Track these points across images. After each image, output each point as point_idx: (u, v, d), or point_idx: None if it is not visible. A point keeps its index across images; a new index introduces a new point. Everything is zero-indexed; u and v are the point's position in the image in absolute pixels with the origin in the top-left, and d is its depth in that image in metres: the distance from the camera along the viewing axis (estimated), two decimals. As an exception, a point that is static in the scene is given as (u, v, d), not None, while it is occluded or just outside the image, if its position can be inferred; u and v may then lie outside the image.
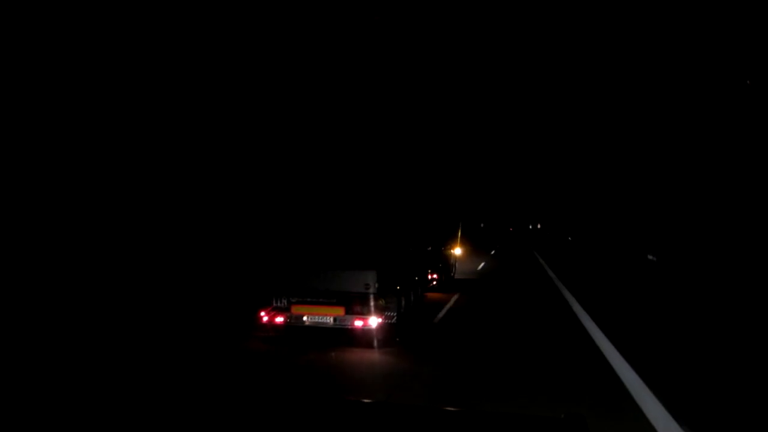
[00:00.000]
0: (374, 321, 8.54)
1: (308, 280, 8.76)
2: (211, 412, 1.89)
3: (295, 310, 8.82)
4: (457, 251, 18.64)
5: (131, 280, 13.22)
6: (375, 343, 8.70)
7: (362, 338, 8.87)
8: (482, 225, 71.33)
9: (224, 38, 15.67)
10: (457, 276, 18.18)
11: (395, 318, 9.39)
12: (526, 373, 7.34)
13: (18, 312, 10.34)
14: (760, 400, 5.55)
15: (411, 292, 10.84)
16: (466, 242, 22.95)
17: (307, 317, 8.79)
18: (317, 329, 8.86)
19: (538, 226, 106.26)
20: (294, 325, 8.89)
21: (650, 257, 26.34)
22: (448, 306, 12.84)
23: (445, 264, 15.68)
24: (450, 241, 16.87)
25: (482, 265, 26.95)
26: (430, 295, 13.89)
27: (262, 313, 8.94)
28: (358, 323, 8.55)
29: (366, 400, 2.27)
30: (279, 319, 8.88)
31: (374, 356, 8.23)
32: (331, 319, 8.70)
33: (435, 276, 14.29)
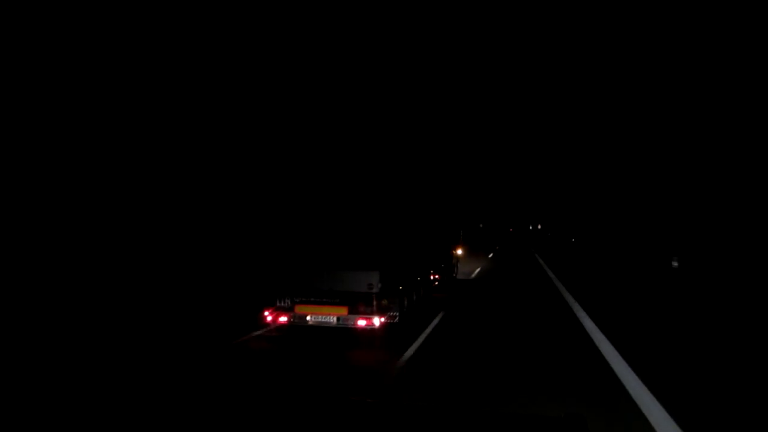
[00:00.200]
0: (377, 321, 8.62)
1: (312, 280, 8.83)
2: (212, 412, 1.90)
3: (299, 309, 8.90)
4: (459, 252, 18.72)
5: (136, 280, 13.30)
6: (378, 343, 8.80)
7: (365, 338, 8.96)
8: (481, 225, 69.50)
9: (227, 39, 15.75)
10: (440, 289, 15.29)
11: (397, 318, 9.47)
12: None
13: (20, 312, 10.42)
14: None
15: (413, 293, 10.93)
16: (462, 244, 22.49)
17: (311, 317, 8.87)
18: (320, 329, 8.95)
19: (539, 226, 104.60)
20: (297, 325, 8.98)
21: (674, 263, 23.72)
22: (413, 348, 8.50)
23: (447, 264, 15.77)
24: (451, 241, 16.94)
25: (477, 270, 23.66)
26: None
27: (266, 313, 9.01)
28: (361, 323, 8.62)
29: (366, 399, 2.30)
30: (283, 319, 8.96)
31: (377, 355, 8.32)
32: (335, 319, 8.77)
33: (437, 276, 14.37)
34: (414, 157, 11.78)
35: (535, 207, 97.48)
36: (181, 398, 2.19)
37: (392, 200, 9.58)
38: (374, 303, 8.67)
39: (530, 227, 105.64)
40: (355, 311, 8.69)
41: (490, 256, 37.17)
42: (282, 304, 8.98)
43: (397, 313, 9.45)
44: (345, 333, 9.05)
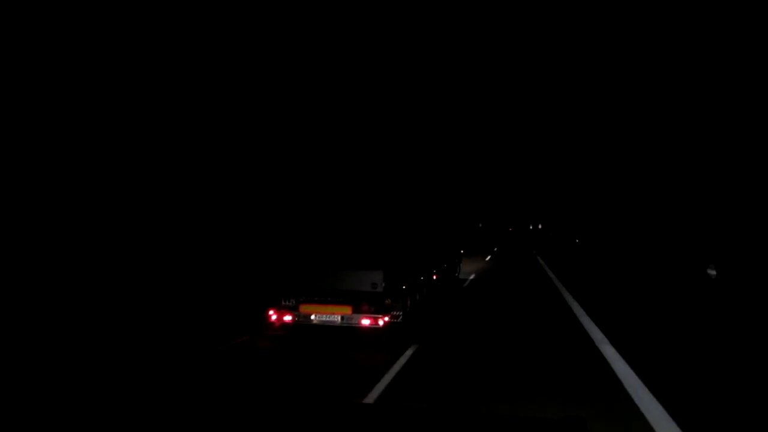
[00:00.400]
0: (381, 320, 8.67)
1: (316, 280, 8.88)
2: (212, 413, 1.90)
3: (304, 309, 8.95)
4: (461, 252, 18.77)
5: (141, 280, 13.35)
6: (382, 342, 8.85)
7: (369, 337, 9.01)
8: (480, 225, 67.68)
9: (231, 40, 15.79)
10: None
11: (401, 317, 9.51)
12: None
13: (21, 312, 10.47)
14: None
15: (416, 292, 10.98)
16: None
17: (315, 316, 8.92)
18: (325, 328, 8.99)
19: (539, 226, 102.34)
20: (302, 324, 9.03)
21: (711, 272, 19.67)
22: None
23: (449, 264, 15.82)
24: (454, 241, 16.99)
25: (472, 276, 20.20)
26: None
27: (271, 312, 9.06)
28: (366, 322, 8.68)
29: (365, 402, 2.30)
30: (287, 318, 9.01)
31: (380, 354, 8.36)
32: (339, 318, 8.82)
33: (440, 276, 14.42)
34: (417, 157, 11.82)
35: (536, 206, 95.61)
36: (181, 399, 2.19)
37: (396, 200, 9.62)
38: (378, 302, 8.72)
39: (530, 227, 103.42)
40: (359, 310, 8.74)
41: (487, 259, 33.45)
42: (287, 303, 9.03)
43: (401, 313, 9.50)
44: (349, 332, 9.10)
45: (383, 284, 8.63)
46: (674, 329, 10.62)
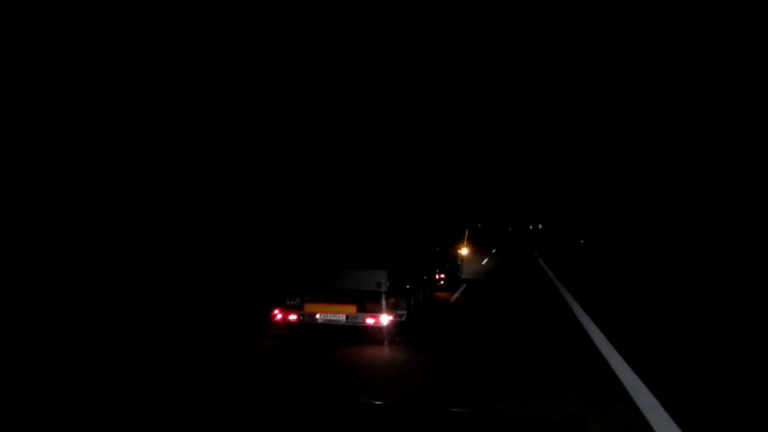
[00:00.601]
0: (385, 319, 8.73)
1: (321, 279, 8.95)
2: (212, 412, 1.89)
3: (308, 308, 9.01)
4: (464, 251, 18.83)
5: (147, 280, 13.40)
6: (385, 341, 8.90)
7: (373, 335, 9.07)
8: (479, 225, 65.11)
9: (235, 41, 15.86)
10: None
11: (405, 316, 9.58)
12: None
13: (27, 313, 10.53)
14: None
15: (420, 291, 11.04)
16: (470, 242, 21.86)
17: (320, 315, 8.98)
18: (329, 327, 9.05)
19: (540, 226, 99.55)
20: (307, 323, 9.09)
21: None
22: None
23: (452, 264, 15.89)
24: (457, 241, 17.06)
25: (463, 287, 16.68)
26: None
27: (276, 311, 9.13)
28: (370, 321, 8.74)
29: (365, 401, 2.31)
30: (292, 317, 9.07)
31: (384, 353, 8.43)
32: (344, 317, 8.89)
33: (443, 276, 14.49)
34: (420, 158, 11.89)
35: (535, 206, 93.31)
36: (180, 398, 2.19)
37: (400, 200, 9.69)
38: (382, 301, 8.78)
39: (530, 227, 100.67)
40: (363, 310, 8.81)
41: (484, 262, 29.22)
42: (291, 302, 9.09)
43: (405, 312, 9.57)
44: (354, 331, 9.16)
45: (387, 284, 8.70)
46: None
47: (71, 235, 13.25)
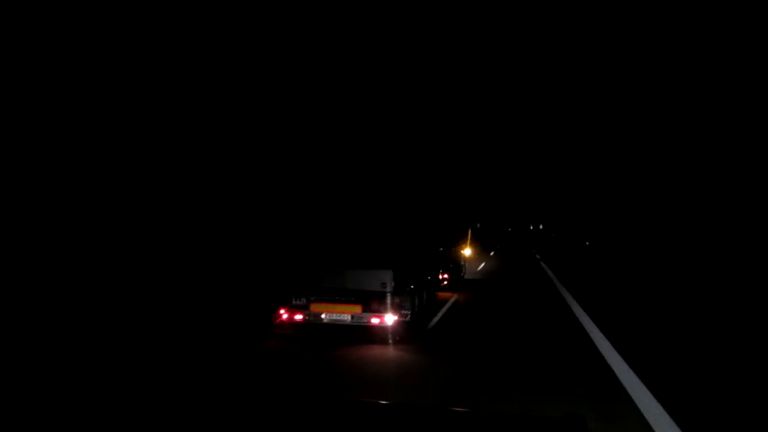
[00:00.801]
0: (390, 318, 8.81)
1: (327, 280, 9.03)
2: (213, 412, 1.91)
3: (314, 308, 9.09)
4: (467, 252, 18.91)
5: (154, 280, 13.47)
6: (390, 340, 8.98)
7: (378, 335, 9.14)
8: (478, 225, 62.32)
9: (239, 41, 15.92)
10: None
11: (409, 316, 9.65)
12: None
13: (34, 314, 10.60)
14: None
15: (424, 291, 11.11)
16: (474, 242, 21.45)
17: (326, 315, 9.06)
18: (335, 326, 9.14)
19: (540, 226, 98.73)
20: (312, 323, 9.17)
21: None
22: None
23: (455, 264, 15.97)
24: (460, 242, 17.14)
25: (452, 301, 13.58)
26: None
27: (282, 311, 9.21)
28: (375, 321, 8.82)
29: (366, 400, 2.34)
30: (298, 317, 9.15)
31: (389, 351, 8.51)
32: (349, 317, 8.96)
33: (446, 276, 14.56)
34: (424, 158, 11.97)
35: (536, 205, 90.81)
36: (181, 398, 2.21)
37: (405, 201, 9.77)
38: (388, 301, 8.86)
39: (530, 227, 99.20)
40: (368, 309, 8.89)
41: (480, 267, 24.69)
42: (297, 302, 9.17)
43: (409, 312, 9.64)
44: (359, 331, 9.24)
45: (392, 284, 8.78)
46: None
47: (80, 235, 13.31)
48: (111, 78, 14.69)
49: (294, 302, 9.19)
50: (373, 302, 8.88)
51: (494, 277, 21.56)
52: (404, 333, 9.27)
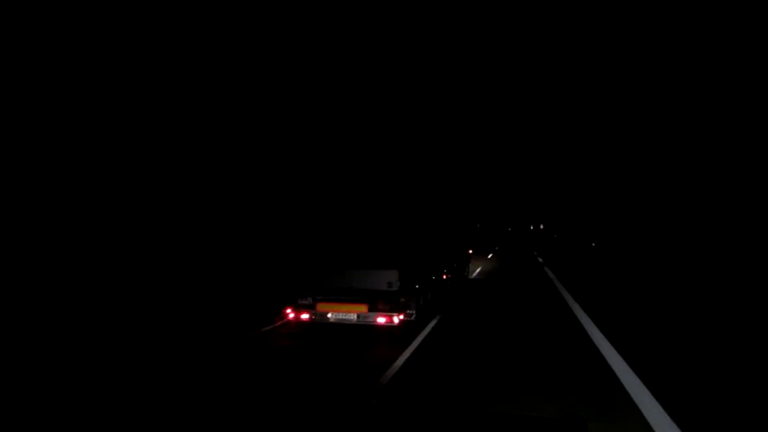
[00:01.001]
0: (396, 318, 8.88)
1: (333, 279, 9.10)
2: (214, 412, 1.93)
3: (320, 307, 9.16)
4: (470, 251, 18.97)
5: (161, 280, 13.54)
6: (396, 339, 9.05)
7: (384, 334, 9.22)
8: (477, 225, 59.26)
9: (242, 42, 15.98)
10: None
11: (414, 315, 9.71)
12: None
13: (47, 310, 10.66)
14: None
15: (428, 291, 11.18)
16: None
17: (332, 314, 9.13)
18: (341, 325, 9.21)
19: (541, 226, 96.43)
20: (319, 322, 9.24)
21: None
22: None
23: (459, 265, 16.01)
24: (464, 241, 17.19)
25: (435, 321, 10.70)
26: None
27: (288, 310, 9.28)
28: (381, 320, 8.88)
29: (365, 401, 2.34)
30: (304, 316, 9.22)
31: (394, 351, 8.56)
32: (355, 316, 9.03)
33: (450, 276, 14.61)
34: (429, 159, 12.03)
35: (536, 204, 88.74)
36: (181, 398, 2.23)
37: (410, 201, 9.83)
38: (393, 301, 8.93)
39: (531, 227, 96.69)
40: (375, 309, 8.95)
41: (475, 274, 21.48)
42: (304, 301, 9.25)
43: (414, 311, 9.70)
44: (365, 330, 9.31)
45: (398, 283, 8.84)
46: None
47: (94, 234, 13.36)
48: (112, 78, 14.73)
49: (300, 301, 9.26)
50: (379, 302, 8.95)
51: (490, 286, 17.60)
52: (409, 331, 9.34)
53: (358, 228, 9.13)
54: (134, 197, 14.49)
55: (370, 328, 9.17)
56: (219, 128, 15.55)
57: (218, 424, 1.84)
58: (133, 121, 14.61)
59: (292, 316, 9.26)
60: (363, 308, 8.99)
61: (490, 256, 36.11)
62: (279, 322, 9.92)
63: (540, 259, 33.69)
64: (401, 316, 9.03)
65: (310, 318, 9.22)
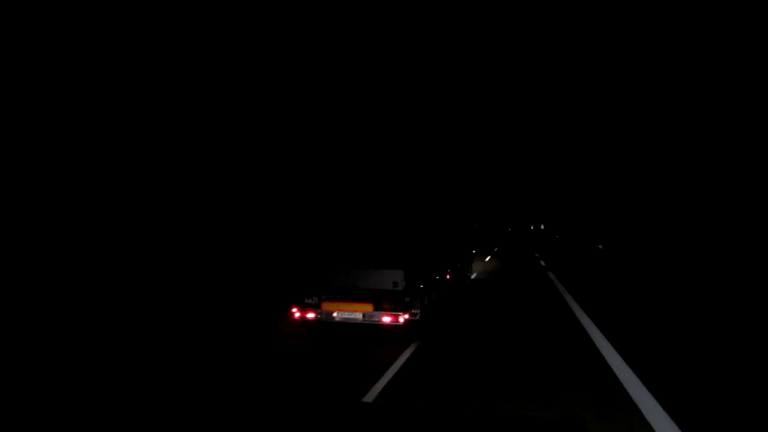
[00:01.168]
0: (401, 317, 8.92)
1: (339, 279, 9.14)
2: (215, 412, 1.94)
3: (326, 306, 9.20)
4: (473, 252, 19.00)
5: (168, 278, 13.58)
6: (401, 338, 9.10)
7: (389, 333, 9.27)
8: (476, 225, 57.78)
9: (244, 42, 16.01)
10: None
11: (419, 315, 9.74)
12: None
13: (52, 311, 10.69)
14: None
15: (433, 291, 11.21)
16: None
17: (338, 313, 9.17)
18: (346, 325, 9.26)
19: (542, 226, 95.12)
20: (324, 321, 9.28)
21: None
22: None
23: (462, 265, 16.05)
24: (468, 242, 17.23)
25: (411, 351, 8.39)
26: None
27: (294, 310, 9.33)
28: (386, 319, 8.93)
29: (365, 401, 2.36)
30: (310, 315, 9.26)
31: (399, 350, 8.61)
32: (361, 316, 9.07)
33: (453, 276, 14.65)
34: (434, 159, 12.07)
35: (536, 204, 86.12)
36: (182, 398, 2.27)
37: (416, 201, 9.87)
38: (399, 300, 8.97)
39: (531, 227, 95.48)
40: (380, 308, 8.99)
41: (470, 280, 18.91)
42: (310, 301, 9.29)
43: (419, 311, 9.74)
44: (370, 329, 9.36)
45: (404, 283, 8.88)
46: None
47: (103, 233, 13.40)
48: (114, 78, 14.77)
49: (306, 301, 9.31)
50: (384, 301, 8.99)
51: (487, 294, 15.65)
52: (415, 331, 9.38)
53: (364, 228, 9.17)
54: (141, 197, 14.53)
55: (376, 328, 9.23)
56: (226, 128, 15.59)
57: (219, 424, 1.86)
58: (142, 121, 14.65)
59: (298, 315, 9.31)
60: (368, 308, 9.03)
61: (487, 258, 33.00)
62: (285, 321, 9.97)
63: (542, 263, 30.14)
64: (406, 316, 9.07)
65: (315, 317, 9.26)
